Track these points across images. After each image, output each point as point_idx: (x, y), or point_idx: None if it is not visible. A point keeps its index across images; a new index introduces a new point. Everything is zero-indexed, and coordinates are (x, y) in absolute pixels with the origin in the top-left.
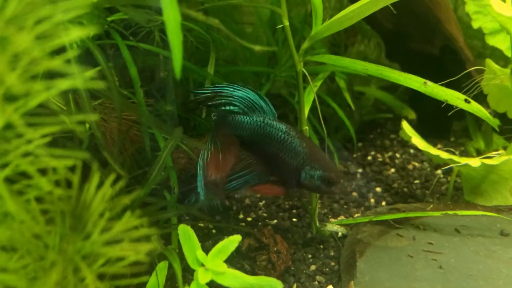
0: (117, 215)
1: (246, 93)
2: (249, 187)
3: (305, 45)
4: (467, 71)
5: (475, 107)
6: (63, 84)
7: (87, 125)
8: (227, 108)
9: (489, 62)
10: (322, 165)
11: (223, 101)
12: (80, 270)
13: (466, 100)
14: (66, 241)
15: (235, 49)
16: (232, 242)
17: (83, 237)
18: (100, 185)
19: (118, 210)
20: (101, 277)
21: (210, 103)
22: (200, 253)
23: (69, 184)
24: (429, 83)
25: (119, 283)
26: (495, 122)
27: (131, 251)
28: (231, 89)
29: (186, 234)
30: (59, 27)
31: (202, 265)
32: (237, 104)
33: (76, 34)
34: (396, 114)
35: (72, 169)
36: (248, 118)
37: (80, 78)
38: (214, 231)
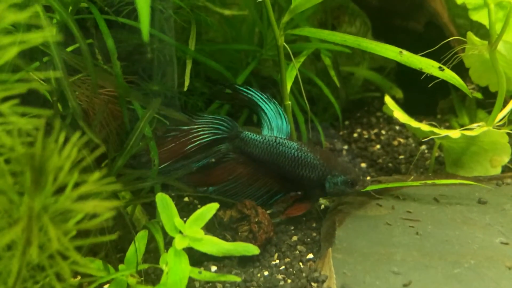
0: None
1: (269, 107)
2: (280, 215)
3: (285, 18)
4: (446, 40)
5: (448, 75)
6: (33, 38)
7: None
8: None
9: (470, 34)
10: (341, 170)
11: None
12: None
13: (440, 68)
14: (32, 198)
15: (223, 29)
16: (209, 209)
17: (51, 194)
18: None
19: (84, 166)
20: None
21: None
22: (177, 220)
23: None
24: (405, 52)
25: (86, 241)
26: (468, 91)
27: (99, 207)
28: (258, 99)
29: (164, 202)
30: None
31: (180, 232)
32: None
33: None
34: (384, 93)
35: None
36: (259, 137)
37: (49, 32)
38: (199, 206)
